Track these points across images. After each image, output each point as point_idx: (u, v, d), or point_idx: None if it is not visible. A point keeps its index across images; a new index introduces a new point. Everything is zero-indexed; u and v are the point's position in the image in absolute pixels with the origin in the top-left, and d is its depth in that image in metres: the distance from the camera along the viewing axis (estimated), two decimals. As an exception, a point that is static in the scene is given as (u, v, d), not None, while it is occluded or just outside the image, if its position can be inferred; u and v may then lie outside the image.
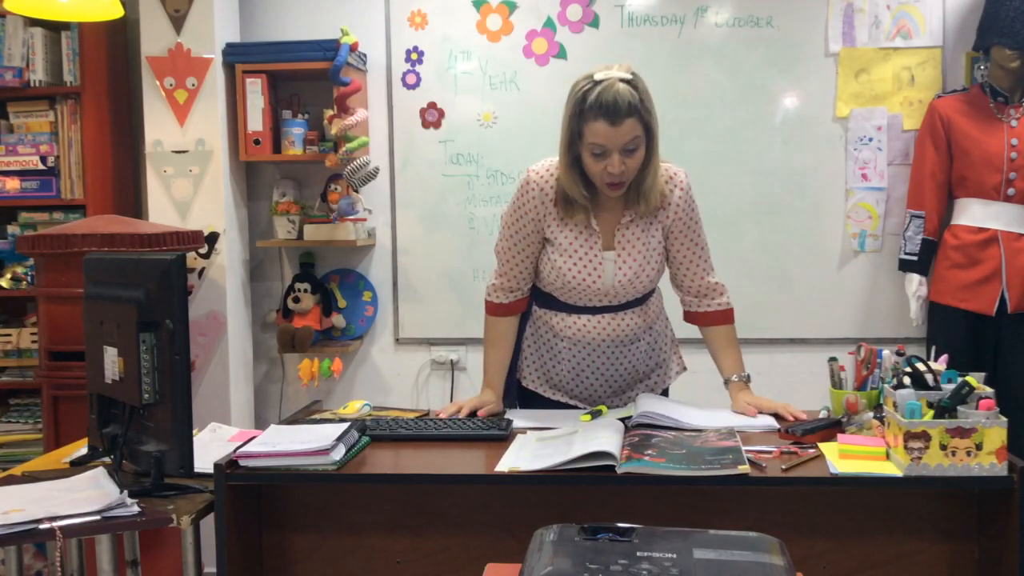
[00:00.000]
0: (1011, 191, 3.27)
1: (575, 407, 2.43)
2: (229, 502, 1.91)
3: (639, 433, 2.09)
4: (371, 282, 3.83)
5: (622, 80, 2.10)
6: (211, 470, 1.92)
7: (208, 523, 1.91)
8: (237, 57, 3.58)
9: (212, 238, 3.55)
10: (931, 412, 1.84)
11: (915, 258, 3.44)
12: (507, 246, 2.34)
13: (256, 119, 3.59)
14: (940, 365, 2.07)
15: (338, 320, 3.77)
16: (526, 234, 2.30)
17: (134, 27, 3.67)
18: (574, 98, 2.13)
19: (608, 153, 2.11)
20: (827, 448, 1.99)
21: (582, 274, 2.28)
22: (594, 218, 2.26)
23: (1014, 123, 3.29)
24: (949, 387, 1.89)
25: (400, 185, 3.77)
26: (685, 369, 2.54)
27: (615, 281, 2.29)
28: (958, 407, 1.83)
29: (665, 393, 2.52)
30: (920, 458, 1.81)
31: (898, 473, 1.83)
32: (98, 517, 1.81)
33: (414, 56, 3.73)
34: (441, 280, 3.79)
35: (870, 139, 3.61)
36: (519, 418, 2.32)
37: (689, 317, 2.44)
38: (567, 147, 2.17)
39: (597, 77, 2.11)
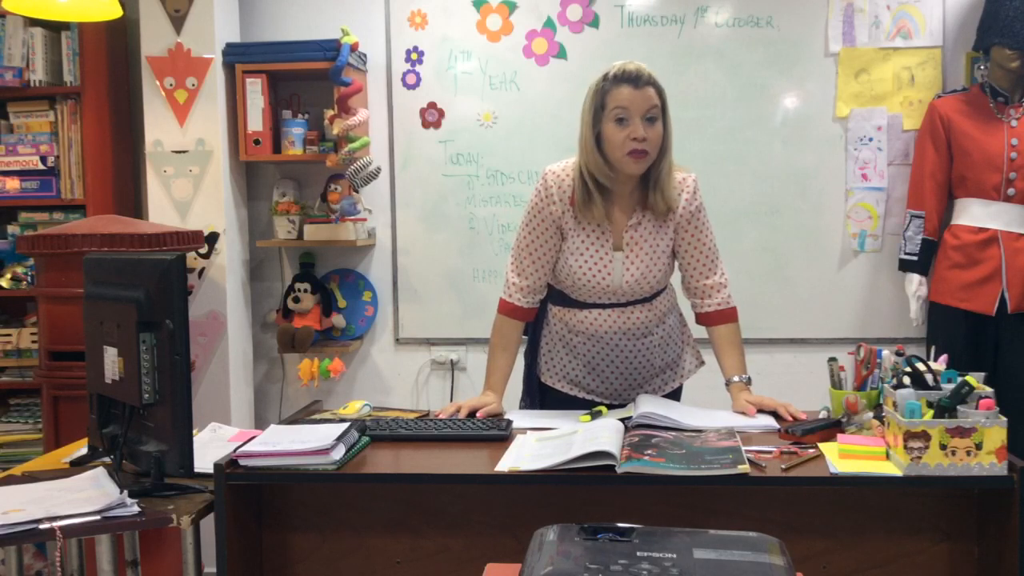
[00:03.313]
0: (1011, 191, 3.27)
1: (593, 402, 2.46)
2: (229, 502, 1.91)
3: (639, 433, 2.09)
4: (371, 282, 3.83)
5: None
6: (211, 470, 1.92)
7: (208, 523, 1.91)
8: (237, 57, 3.58)
9: (212, 238, 3.56)
10: (931, 412, 1.84)
11: (915, 258, 3.44)
12: (527, 243, 2.39)
13: (256, 119, 3.59)
14: (940, 365, 2.07)
15: (338, 320, 3.77)
16: (544, 230, 2.36)
17: (134, 27, 3.67)
18: (597, 80, 2.29)
19: (631, 117, 2.21)
20: (827, 448, 1.99)
21: (591, 272, 2.34)
22: (607, 217, 2.32)
23: (1014, 123, 3.29)
24: (949, 387, 1.89)
25: (400, 185, 3.77)
26: (703, 363, 2.58)
27: (623, 281, 2.34)
28: (958, 407, 1.83)
29: (680, 389, 2.56)
30: (920, 458, 1.81)
31: (898, 473, 1.83)
32: (98, 517, 1.81)
33: (414, 56, 3.73)
34: (441, 280, 3.79)
35: (870, 139, 3.61)
36: (519, 418, 2.32)
37: (696, 317, 2.49)
38: (590, 126, 2.27)
39: (617, 62, 2.28)
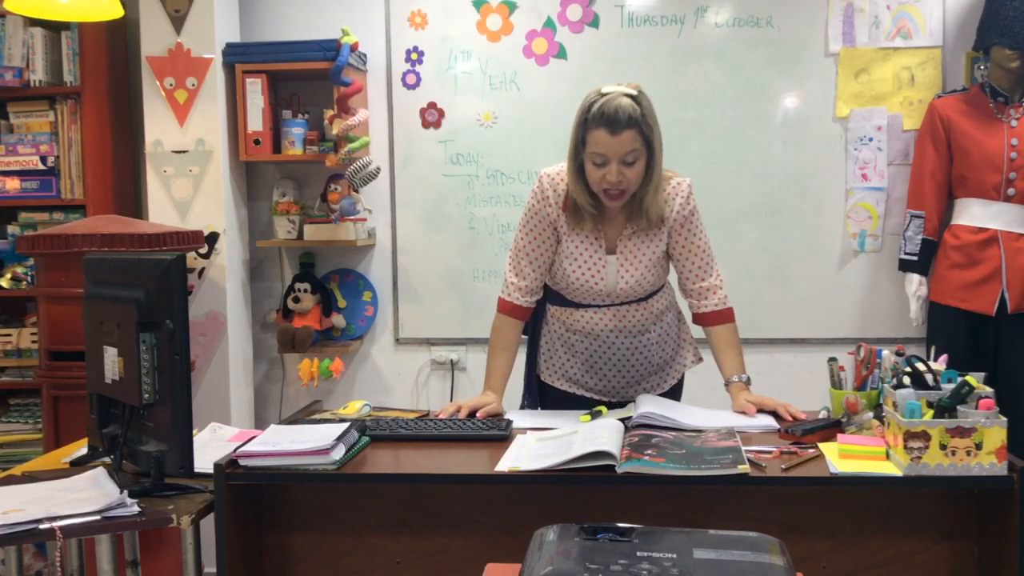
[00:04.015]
0: (1011, 191, 3.27)
1: (592, 399, 2.47)
2: (229, 502, 1.91)
3: (639, 433, 2.09)
4: (371, 282, 3.83)
5: (627, 95, 2.19)
6: (211, 470, 1.92)
7: (208, 523, 1.91)
8: (237, 57, 3.58)
9: (212, 238, 3.56)
10: (931, 412, 1.84)
11: (915, 258, 3.44)
12: (524, 245, 2.40)
13: (256, 119, 3.59)
14: (940, 365, 2.07)
15: (338, 320, 3.77)
16: (541, 231, 2.38)
17: (134, 27, 3.67)
18: (581, 109, 2.24)
19: (607, 162, 2.19)
20: (827, 448, 1.99)
21: (585, 276, 2.36)
22: (599, 225, 2.33)
23: (1014, 123, 3.29)
24: (949, 387, 1.89)
25: (400, 185, 3.77)
26: (701, 360, 2.58)
27: (617, 287, 2.36)
28: (958, 407, 1.83)
29: (680, 386, 2.57)
30: (920, 458, 1.81)
31: (898, 473, 1.83)
32: (98, 517, 1.81)
33: (414, 56, 3.73)
34: (441, 280, 3.79)
35: (870, 139, 3.61)
36: (519, 418, 2.33)
37: (692, 318, 2.49)
38: (573, 155, 2.27)
39: (604, 90, 2.21)
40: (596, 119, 2.17)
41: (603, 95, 2.19)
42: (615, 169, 2.19)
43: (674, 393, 2.55)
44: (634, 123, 2.16)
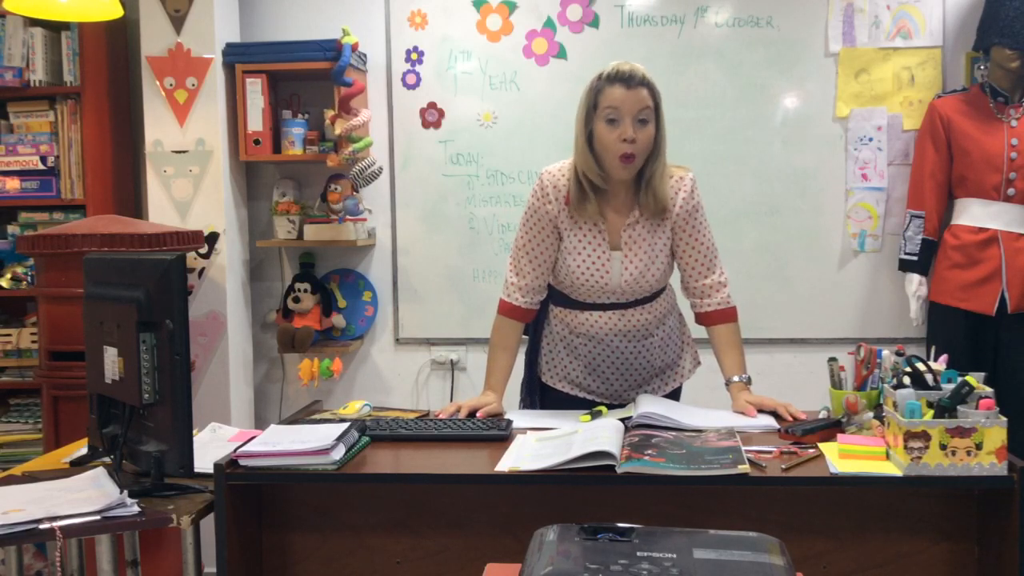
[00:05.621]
0: (1011, 191, 3.27)
1: (594, 402, 2.47)
2: (229, 502, 1.91)
3: (639, 433, 2.09)
4: (371, 282, 3.83)
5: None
6: (211, 470, 1.92)
7: (208, 523, 1.91)
8: (237, 57, 3.58)
9: (212, 238, 3.56)
10: (931, 412, 1.84)
11: (915, 258, 3.45)
12: (525, 243, 2.40)
13: (256, 119, 3.59)
14: (940, 365, 2.07)
15: (338, 320, 3.77)
16: (541, 229, 2.37)
17: (134, 27, 3.67)
18: (592, 80, 2.29)
19: (622, 119, 2.21)
20: (827, 448, 1.99)
21: (589, 271, 2.34)
22: (602, 216, 2.32)
23: (1014, 123, 3.29)
24: (949, 387, 1.90)
25: (400, 185, 3.77)
26: (699, 363, 2.58)
27: (622, 280, 2.35)
28: (958, 407, 1.83)
29: (679, 389, 2.56)
30: (920, 458, 1.81)
31: (898, 473, 1.83)
32: (98, 517, 1.81)
33: (414, 56, 3.73)
34: (441, 280, 3.79)
35: (870, 139, 3.61)
36: (519, 418, 2.33)
37: (695, 317, 2.48)
38: (583, 124, 2.28)
39: (613, 62, 2.28)
40: (611, 77, 2.23)
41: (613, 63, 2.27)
42: (629, 125, 2.21)
43: (674, 394, 2.54)
44: (647, 83, 2.23)
